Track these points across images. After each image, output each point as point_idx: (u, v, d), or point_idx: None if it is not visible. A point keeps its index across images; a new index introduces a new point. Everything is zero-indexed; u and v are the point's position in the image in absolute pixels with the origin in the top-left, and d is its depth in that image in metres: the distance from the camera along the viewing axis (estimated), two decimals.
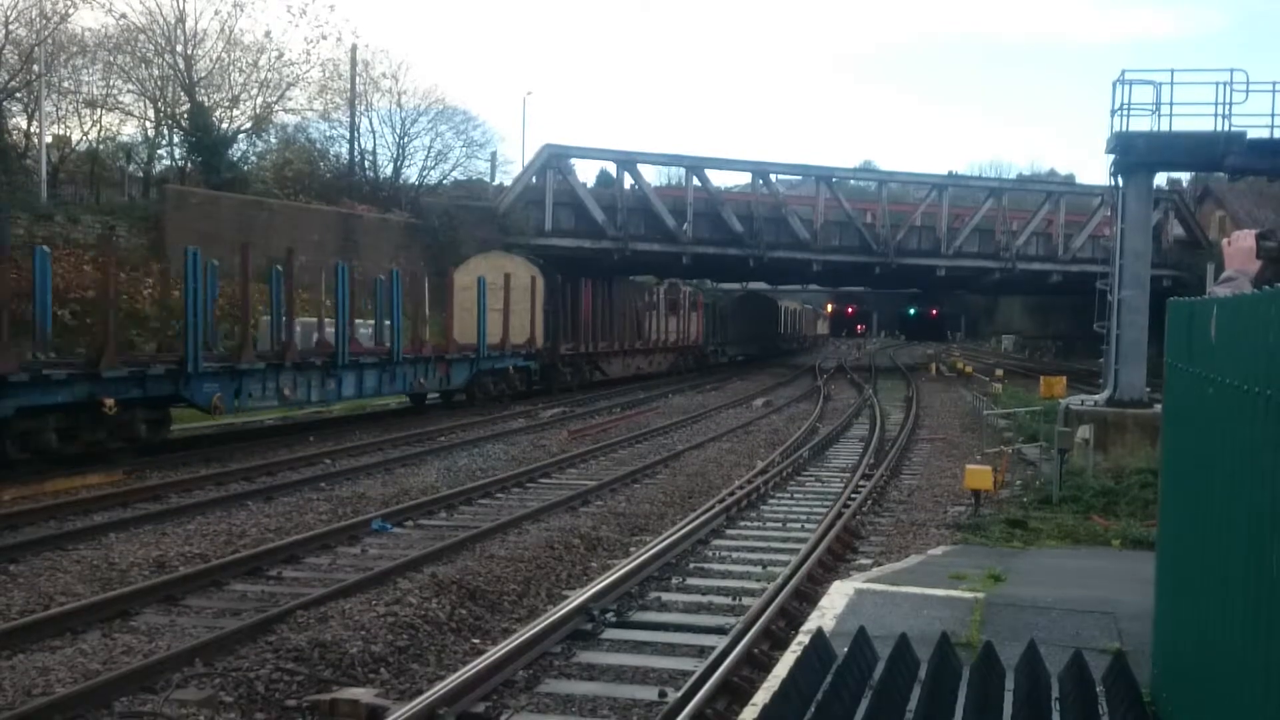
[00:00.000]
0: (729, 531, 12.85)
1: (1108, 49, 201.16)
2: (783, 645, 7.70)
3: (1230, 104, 18.83)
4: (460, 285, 27.20)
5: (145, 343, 22.47)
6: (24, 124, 35.24)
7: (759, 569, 10.85)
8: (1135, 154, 19.35)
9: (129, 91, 38.71)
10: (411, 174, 48.34)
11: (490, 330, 27.15)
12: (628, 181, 46.49)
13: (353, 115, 45.44)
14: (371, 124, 47.52)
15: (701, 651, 8.05)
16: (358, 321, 23.04)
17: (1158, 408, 14.46)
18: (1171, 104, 18.89)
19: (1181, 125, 19.15)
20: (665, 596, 9.80)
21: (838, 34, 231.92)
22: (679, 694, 6.93)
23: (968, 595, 8.63)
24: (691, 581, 10.41)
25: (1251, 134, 19.17)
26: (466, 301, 26.83)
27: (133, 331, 23.16)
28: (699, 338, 49.95)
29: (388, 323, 23.54)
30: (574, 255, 43.43)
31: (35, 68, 32.75)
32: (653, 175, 61.12)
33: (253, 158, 42.90)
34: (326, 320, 22.83)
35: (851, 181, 61.63)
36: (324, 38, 61.08)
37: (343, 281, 21.61)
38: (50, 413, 14.89)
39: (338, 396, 21.95)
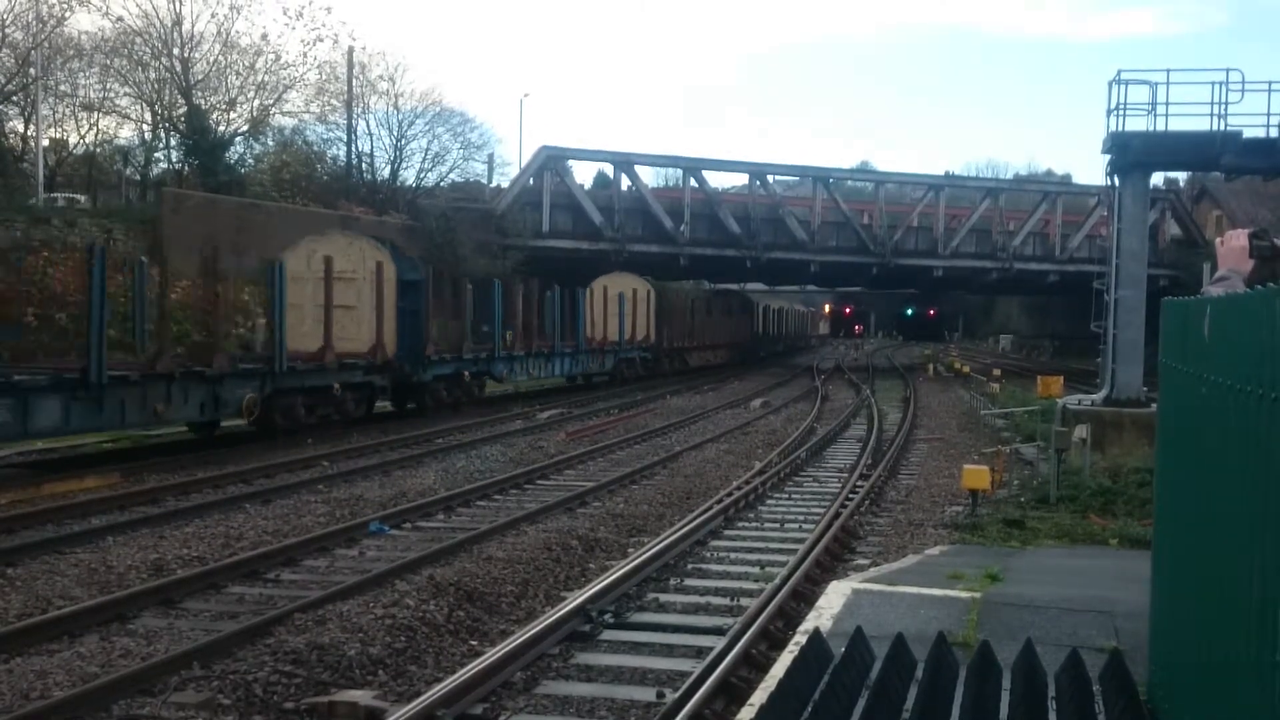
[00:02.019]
0: (727, 532, 12.85)
1: (1104, 49, 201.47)
2: (780, 645, 7.71)
3: (1226, 103, 18.90)
4: (597, 298, 37.01)
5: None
6: (21, 127, 35.25)
7: (757, 569, 10.86)
8: (1131, 154, 19.39)
9: (126, 94, 38.71)
10: (409, 176, 48.31)
11: (625, 330, 38.09)
12: (625, 183, 46.55)
13: (350, 117, 45.42)
14: (369, 126, 47.48)
15: (699, 652, 8.06)
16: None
17: (1154, 407, 14.50)
18: (1167, 104, 18.96)
19: (1177, 125, 19.21)
20: (663, 597, 9.81)
21: (835, 32, 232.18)
22: (677, 695, 6.94)
23: (965, 595, 8.64)
24: (689, 582, 10.42)
25: (1247, 133, 19.23)
26: (600, 310, 36.80)
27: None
28: (748, 336, 61.80)
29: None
30: (571, 257, 43.49)
31: (32, 71, 32.73)
32: (650, 176, 61.17)
33: (250, 160, 42.88)
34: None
35: (848, 182, 61.75)
36: (321, 40, 60.83)
37: (556, 300, 32.87)
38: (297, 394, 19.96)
39: (552, 374, 33.18)
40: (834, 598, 8.50)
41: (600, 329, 36.54)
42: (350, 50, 44.97)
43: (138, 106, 39.10)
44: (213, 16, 39.45)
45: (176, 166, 39.79)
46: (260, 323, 22.45)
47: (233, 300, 22.70)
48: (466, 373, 26.98)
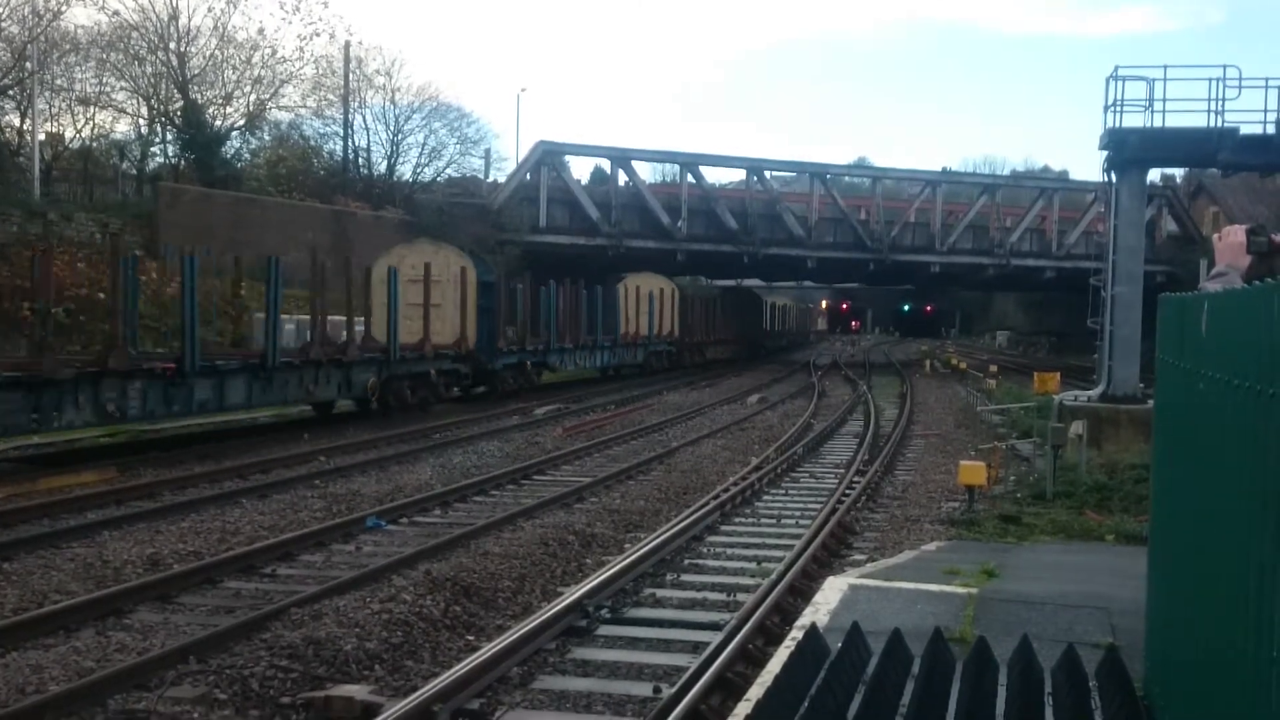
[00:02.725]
0: (723, 528, 12.86)
1: (1101, 45, 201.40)
2: (777, 641, 7.71)
3: (1223, 100, 18.91)
4: (630, 297, 40.01)
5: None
6: (17, 121, 35.19)
7: (753, 565, 10.86)
8: (1129, 150, 19.40)
9: (122, 89, 38.66)
10: (405, 171, 48.33)
11: (654, 326, 41.49)
12: (622, 178, 46.49)
13: (346, 112, 45.38)
14: (365, 121, 47.48)
15: (696, 647, 8.06)
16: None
17: (1151, 403, 14.50)
18: (1165, 100, 18.98)
19: (1175, 121, 19.22)
20: (660, 593, 9.81)
21: (832, 29, 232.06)
22: (673, 690, 6.93)
23: (961, 590, 8.66)
24: (686, 578, 10.42)
25: (1244, 130, 19.24)
26: (633, 308, 39.89)
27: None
28: (757, 331, 64.75)
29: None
30: (568, 252, 43.46)
31: (28, 65, 32.67)
32: (647, 172, 61.23)
33: (246, 155, 42.86)
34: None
35: (846, 178, 61.64)
36: (317, 34, 60.99)
37: (598, 299, 36.16)
38: (405, 379, 23.72)
39: (594, 365, 37.21)
40: (831, 593, 8.50)
41: (633, 325, 39.96)
42: (347, 45, 44.99)
43: (134, 101, 39.09)
44: (209, 10, 39.79)
45: (173, 161, 39.76)
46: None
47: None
48: (528, 362, 30.71)
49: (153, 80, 38.67)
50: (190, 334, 17.40)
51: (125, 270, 17.41)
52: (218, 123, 39.82)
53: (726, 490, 14.60)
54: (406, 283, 24.90)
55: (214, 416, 20.52)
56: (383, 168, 47.53)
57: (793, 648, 6.47)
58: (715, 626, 8.57)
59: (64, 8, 34.26)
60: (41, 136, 34.72)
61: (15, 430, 15.33)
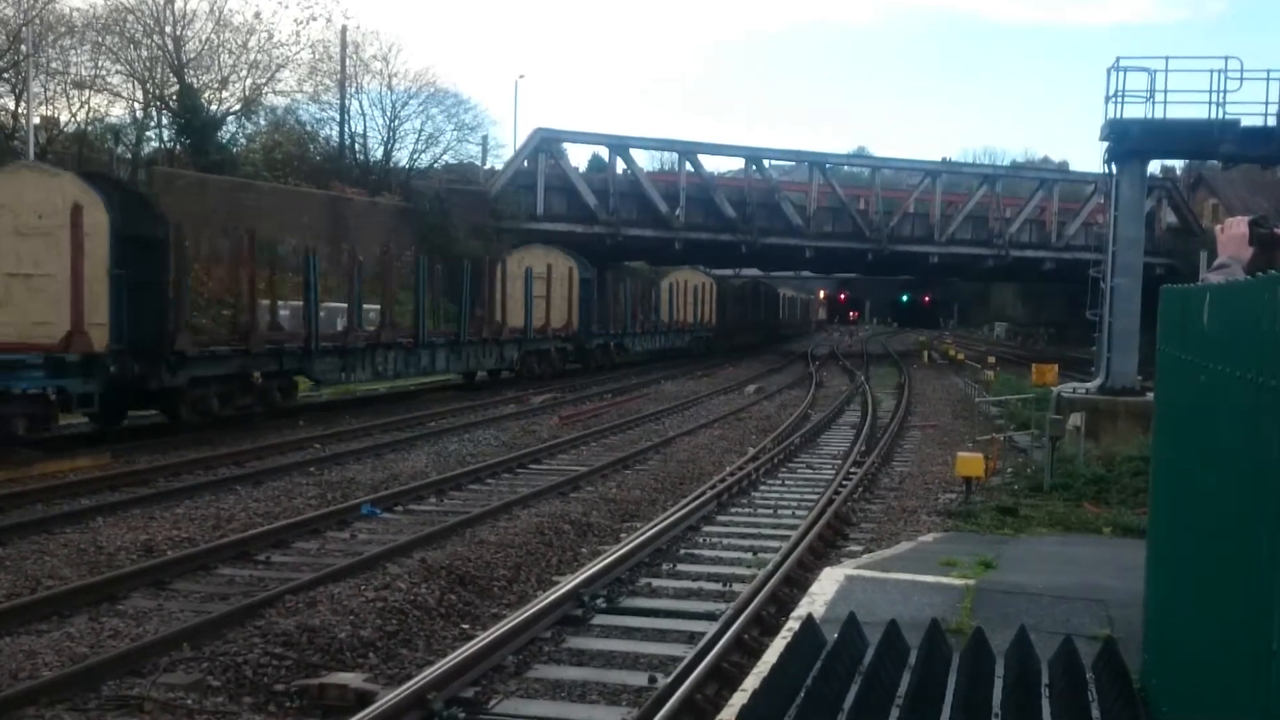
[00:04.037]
0: (720, 518, 12.83)
1: (1103, 35, 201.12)
2: (773, 631, 7.69)
3: (1225, 92, 18.85)
4: (679, 290, 46.18)
5: None
6: (11, 105, 35.02)
7: (750, 555, 10.84)
8: (1129, 141, 19.35)
9: (117, 72, 38.49)
10: (402, 157, 48.16)
11: (699, 315, 48.31)
12: (620, 166, 46.39)
13: (343, 97, 45.24)
14: (362, 106, 47.40)
15: (692, 637, 8.04)
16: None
17: (1149, 396, 14.49)
18: (1166, 91, 18.90)
19: (1176, 113, 19.16)
20: (656, 583, 9.79)
21: (833, 18, 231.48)
22: (669, 679, 6.91)
23: (958, 582, 8.64)
24: (682, 568, 10.40)
25: (1245, 122, 19.21)
26: (681, 300, 46.31)
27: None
28: (774, 321, 71.42)
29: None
30: (565, 240, 43.34)
31: (23, 48, 32.51)
32: (645, 160, 61.11)
33: (242, 140, 42.72)
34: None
35: (845, 168, 61.68)
36: (314, 19, 60.88)
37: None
38: (534, 355, 24.57)
39: (654, 347, 42.77)
40: (827, 584, 8.48)
41: (681, 314, 46.73)
42: (344, 29, 44.83)
43: (129, 84, 38.92)
44: None
45: (168, 145, 39.59)
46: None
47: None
48: (612, 344, 37.62)
49: (148, 64, 38.52)
50: (421, 320, 24.82)
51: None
52: (213, 107, 39.67)
53: (723, 480, 14.57)
54: (519, 279, 30.88)
55: (425, 377, 27.29)
56: (379, 154, 47.40)
57: (789, 638, 6.45)
58: (711, 617, 8.54)
59: None
60: (36, 120, 34.59)
61: (331, 381, 22.32)
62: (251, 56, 40.75)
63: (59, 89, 37.31)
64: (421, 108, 47.81)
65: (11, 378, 14.51)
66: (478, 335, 27.28)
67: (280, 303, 21.95)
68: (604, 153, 48.16)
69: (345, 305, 23.77)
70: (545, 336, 31.50)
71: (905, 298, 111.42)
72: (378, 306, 24.44)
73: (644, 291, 42.02)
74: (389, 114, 47.19)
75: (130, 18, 37.90)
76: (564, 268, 34.23)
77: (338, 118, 45.54)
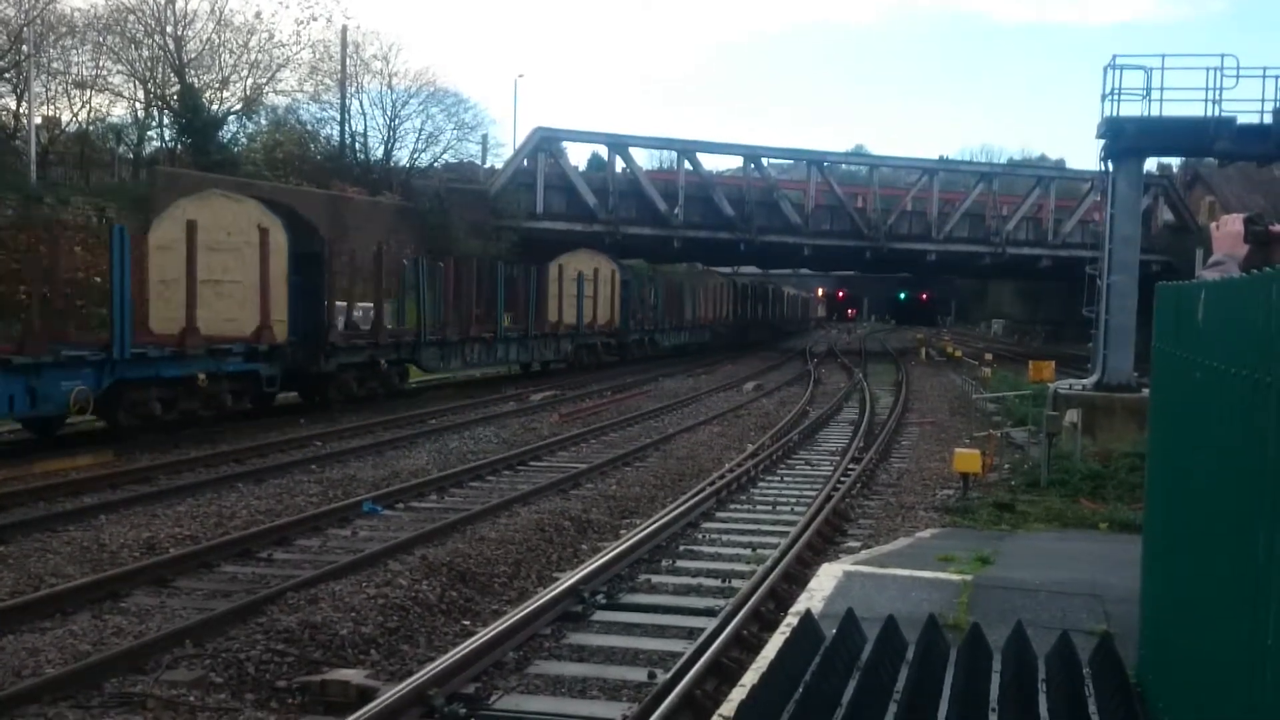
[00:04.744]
0: (719, 514, 12.88)
1: (1101, 34, 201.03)
2: (772, 627, 7.74)
3: (1221, 89, 18.87)
4: (696, 289, 50.03)
5: None
6: (13, 105, 35.03)
7: (748, 551, 10.88)
8: (1126, 139, 19.37)
9: (119, 73, 38.53)
10: (402, 156, 48.19)
11: (715, 313, 53.17)
12: (619, 165, 46.40)
13: (343, 97, 45.25)
14: (362, 106, 47.46)
15: (691, 633, 8.08)
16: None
17: (1145, 392, 14.52)
18: (1162, 89, 18.91)
19: (1172, 110, 19.18)
20: (655, 579, 9.83)
21: (832, 18, 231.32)
22: (668, 675, 6.96)
23: (956, 577, 8.68)
24: (681, 564, 10.44)
25: (1242, 119, 19.22)
26: (705, 296, 51.12)
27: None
28: (778, 317, 75.70)
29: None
30: (564, 238, 43.40)
31: (24, 48, 32.52)
32: (644, 159, 61.11)
33: (243, 139, 42.75)
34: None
35: (843, 166, 61.66)
36: (314, 19, 60.88)
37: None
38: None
39: (680, 341, 46.47)
40: (825, 580, 8.52)
41: (704, 312, 51.41)
42: (344, 29, 44.84)
43: (130, 84, 38.96)
44: None
45: (169, 145, 39.62)
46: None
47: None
48: (646, 339, 41.97)
49: (149, 64, 38.54)
50: (500, 318, 28.96)
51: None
52: (214, 107, 39.70)
53: (722, 477, 14.61)
54: (567, 281, 34.61)
55: (499, 367, 31.56)
56: (379, 153, 47.42)
57: (788, 634, 6.48)
58: (710, 613, 8.59)
59: None
60: (38, 120, 34.56)
61: (433, 369, 25.95)
62: (252, 56, 40.83)
63: (60, 89, 37.37)
64: (421, 107, 47.88)
65: (223, 361, 18.37)
66: (541, 331, 31.38)
67: (384, 303, 24.60)
68: (603, 151, 48.19)
69: (443, 305, 26.89)
70: (593, 332, 36.04)
71: (903, 295, 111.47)
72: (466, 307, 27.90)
73: (675, 291, 46.84)
74: (389, 113, 47.26)
75: (131, 18, 37.94)
76: (607, 271, 38.38)
77: (338, 117, 45.59)
